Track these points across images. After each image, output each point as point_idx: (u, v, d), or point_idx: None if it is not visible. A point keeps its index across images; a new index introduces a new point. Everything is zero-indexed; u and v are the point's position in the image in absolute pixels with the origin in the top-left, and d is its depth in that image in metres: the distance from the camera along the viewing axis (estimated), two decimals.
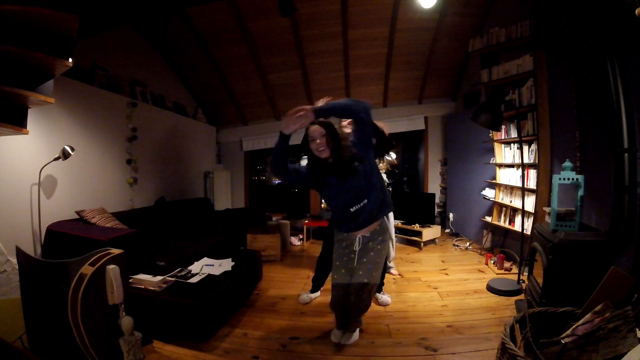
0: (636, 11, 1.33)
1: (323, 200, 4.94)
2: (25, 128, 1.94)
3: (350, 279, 1.81)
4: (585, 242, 1.74)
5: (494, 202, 3.61)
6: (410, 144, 6.05)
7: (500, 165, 3.53)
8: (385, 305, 2.44)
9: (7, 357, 1.38)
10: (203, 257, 2.64)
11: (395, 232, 4.29)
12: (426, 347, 1.86)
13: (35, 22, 1.70)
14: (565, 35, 2.72)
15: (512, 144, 3.31)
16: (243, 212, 4.98)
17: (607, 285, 1.34)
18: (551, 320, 1.44)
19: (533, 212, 2.88)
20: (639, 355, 1.01)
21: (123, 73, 3.66)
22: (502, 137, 3.41)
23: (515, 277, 2.72)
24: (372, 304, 2.44)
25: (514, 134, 3.23)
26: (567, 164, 1.90)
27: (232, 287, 2.28)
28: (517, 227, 3.14)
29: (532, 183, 2.98)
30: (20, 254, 1.72)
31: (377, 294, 2.51)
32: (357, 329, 1.99)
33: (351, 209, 1.73)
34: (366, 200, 1.71)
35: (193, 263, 2.51)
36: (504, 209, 3.50)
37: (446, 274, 3.11)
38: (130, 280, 1.95)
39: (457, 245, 4.02)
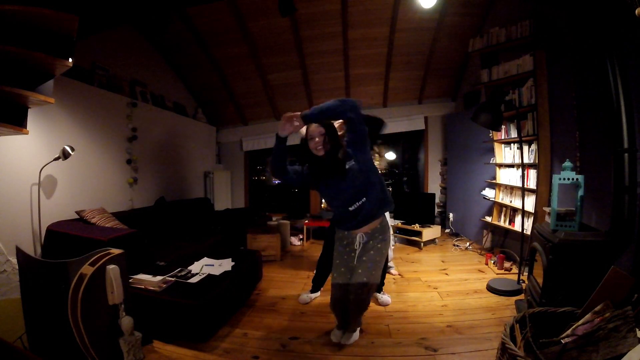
0: (636, 11, 1.33)
1: (323, 200, 4.94)
2: (25, 128, 1.94)
3: (349, 277, 1.81)
4: (585, 242, 1.74)
5: (494, 202, 3.61)
6: (410, 144, 6.05)
7: (500, 165, 3.53)
8: (385, 305, 2.44)
9: (7, 357, 1.38)
10: (203, 257, 2.64)
11: (395, 232, 4.31)
12: (426, 347, 1.86)
13: (35, 22, 1.70)
14: (565, 35, 2.72)
15: (512, 144, 3.31)
16: (243, 212, 4.98)
17: (607, 285, 1.34)
18: (551, 320, 1.44)
19: (533, 212, 2.88)
20: (639, 355, 1.01)
21: (123, 73, 3.66)
22: (502, 137, 3.41)
23: (515, 277, 2.72)
24: (372, 304, 2.45)
25: (514, 134, 3.24)
26: (567, 164, 1.90)
27: (232, 287, 2.28)
28: (517, 227, 3.14)
29: (532, 183, 2.98)
30: (20, 254, 1.72)
31: (377, 294, 2.51)
32: (357, 329, 1.99)
33: (350, 208, 1.73)
34: (365, 198, 1.72)
35: (193, 263, 2.51)
36: (504, 209, 3.50)
37: (446, 274, 3.11)
38: (130, 280, 1.95)
39: (457, 245, 4.02)
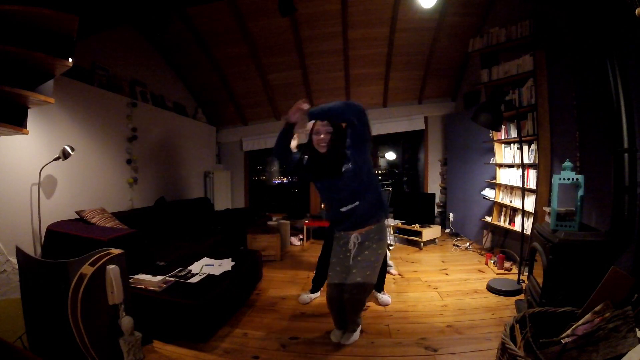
0: (636, 11, 1.34)
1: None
2: (25, 128, 1.94)
3: (345, 277, 1.81)
4: (585, 242, 1.74)
5: (494, 202, 3.61)
6: (410, 144, 6.05)
7: (500, 165, 3.53)
8: (385, 305, 2.44)
9: (7, 357, 1.38)
10: (203, 257, 2.64)
11: (395, 232, 4.31)
12: (426, 347, 1.86)
13: (35, 22, 1.70)
14: (565, 35, 2.72)
15: (512, 144, 3.31)
16: (243, 212, 4.98)
17: (607, 285, 1.34)
18: (551, 320, 1.44)
19: (533, 212, 2.88)
20: (639, 355, 1.01)
21: (123, 73, 3.66)
22: (502, 137, 3.41)
23: (515, 277, 2.72)
24: (372, 303, 2.46)
25: (514, 134, 3.24)
26: (567, 164, 1.90)
27: (232, 287, 2.28)
28: (517, 227, 3.14)
29: (532, 183, 2.98)
30: (20, 254, 1.72)
31: (378, 294, 2.51)
32: (358, 329, 1.99)
33: (341, 209, 1.75)
34: (357, 202, 1.72)
35: (193, 263, 2.52)
36: (504, 209, 3.50)
37: (446, 274, 3.11)
38: (130, 280, 1.95)
39: (457, 245, 4.02)
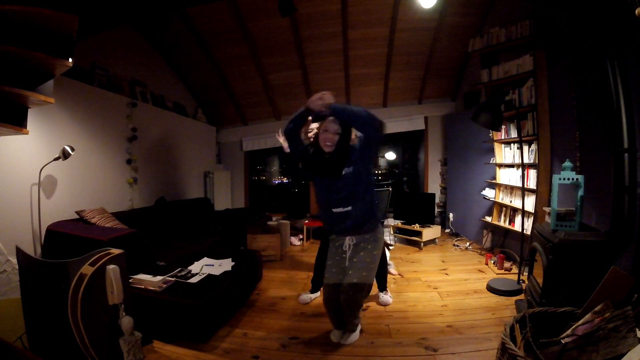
0: (636, 11, 1.34)
1: None
2: (25, 128, 1.94)
3: (341, 278, 1.81)
4: (585, 242, 1.74)
5: (494, 202, 3.61)
6: (410, 144, 6.05)
7: (500, 165, 3.53)
8: (385, 305, 2.44)
9: (7, 357, 1.38)
10: (203, 257, 2.64)
11: (395, 232, 4.32)
12: (426, 347, 1.86)
13: (35, 22, 1.70)
14: (565, 35, 2.72)
15: (512, 144, 3.31)
16: (243, 212, 4.98)
17: (607, 285, 1.34)
18: (551, 320, 1.44)
19: (533, 212, 2.88)
20: (639, 355, 1.01)
21: (123, 73, 3.66)
22: (502, 137, 3.41)
23: (515, 277, 2.72)
24: (373, 303, 2.46)
25: (514, 134, 3.24)
26: (567, 164, 1.90)
27: (232, 287, 2.28)
28: (517, 227, 3.14)
29: (532, 183, 2.98)
30: (20, 254, 1.72)
31: (380, 293, 2.52)
32: (357, 329, 1.99)
33: (333, 210, 1.75)
34: (350, 207, 1.72)
35: (193, 263, 2.52)
36: (504, 209, 3.50)
37: (446, 274, 3.11)
38: (130, 280, 1.95)
39: (457, 245, 4.02)
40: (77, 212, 2.70)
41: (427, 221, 4.20)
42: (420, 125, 5.23)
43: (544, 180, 2.84)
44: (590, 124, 2.31)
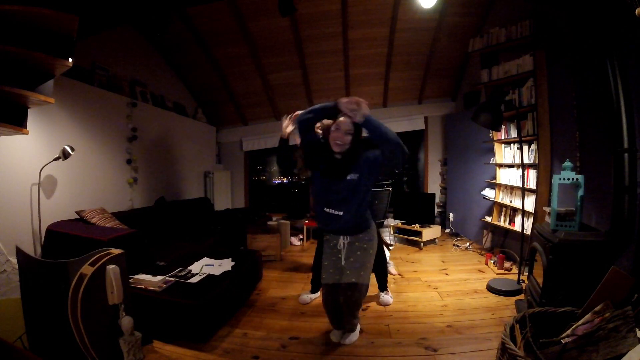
0: (636, 11, 1.34)
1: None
2: (25, 128, 1.94)
3: (339, 278, 1.81)
4: (585, 242, 1.74)
5: (494, 202, 3.61)
6: (410, 144, 6.05)
7: (500, 165, 3.53)
8: (385, 305, 2.44)
9: (7, 357, 1.38)
10: (203, 257, 2.64)
11: (395, 232, 4.31)
12: (426, 347, 1.86)
13: (35, 22, 1.70)
14: (565, 35, 2.72)
15: (512, 144, 3.31)
16: (243, 212, 4.98)
17: (607, 285, 1.34)
18: (551, 320, 1.44)
19: (533, 212, 2.88)
20: (639, 355, 1.01)
21: (123, 73, 3.65)
22: (502, 137, 3.41)
23: (515, 277, 2.72)
24: (373, 303, 2.46)
25: (514, 134, 3.24)
26: (567, 164, 1.90)
27: (232, 287, 2.28)
28: (517, 227, 3.14)
29: (532, 183, 2.98)
30: (20, 254, 1.72)
31: (381, 293, 2.51)
32: (357, 329, 1.99)
33: (325, 209, 1.74)
34: (342, 212, 1.71)
35: (193, 263, 2.52)
36: (504, 209, 3.50)
37: (446, 274, 3.11)
38: (130, 280, 1.95)
39: (457, 245, 4.02)
40: (77, 212, 2.71)
41: (427, 221, 4.20)
42: (420, 125, 5.23)
43: (544, 180, 2.84)
44: (590, 124, 2.31)
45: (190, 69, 4.83)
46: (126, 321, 1.62)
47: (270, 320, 2.25)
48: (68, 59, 1.83)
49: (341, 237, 1.80)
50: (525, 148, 3.04)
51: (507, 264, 3.11)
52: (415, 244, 4.10)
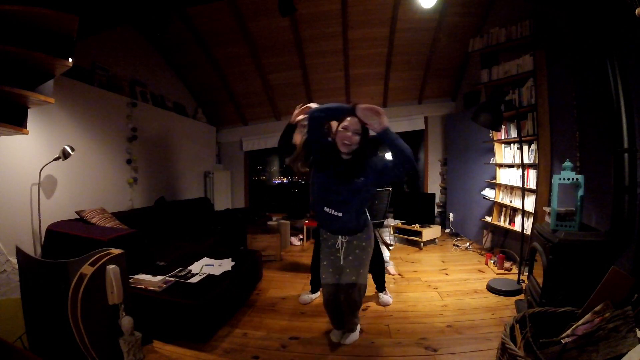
0: (636, 11, 1.34)
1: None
2: (25, 128, 1.94)
3: (339, 278, 1.81)
4: (585, 242, 1.74)
5: (494, 202, 3.61)
6: (410, 144, 6.02)
7: (500, 165, 3.53)
8: (385, 305, 2.44)
9: (7, 357, 1.38)
10: (203, 257, 2.64)
11: (395, 232, 4.31)
12: (426, 347, 1.86)
13: (35, 22, 1.70)
14: (565, 35, 2.72)
15: (512, 144, 3.31)
16: (243, 212, 4.98)
17: (607, 285, 1.34)
18: (551, 320, 1.44)
19: (533, 212, 2.88)
20: (639, 355, 1.01)
21: (123, 73, 3.65)
22: (502, 137, 3.41)
23: (515, 277, 2.72)
24: (373, 303, 2.46)
25: (514, 134, 3.23)
26: (567, 164, 1.90)
27: (232, 287, 2.28)
28: (517, 227, 3.14)
29: (532, 183, 2.98)
30: (20, 254, 1.72)
31: (380, 294, 2.51)
32: (357, 329, 1.99)
33: (325, 208, 1.72)
34: (341, 214, 1.70)
35: (193, 263, 2.51)
36: (504, 209, 3.50)
37: (446, 274, 3.11)
38: (130, 280, 1.95)
39: (457, 245, 4.02)
40: (77, 212, 2.70)
41: (427, 221, 4.20)
42: (420, 125, 5.23)
43: (544, 180, 2.84)
44: (590, 124, 2.31)
45: (190, 69, 4.83)
46: (126, 321, 1.62)
47: (270, 320, 2.25)
48: (68, 59, 1.83)
49: (339, 236, 1.80)
50: (525, 148, 3.04)
51: (507, 264, 3.11)
52: (415, 244, 4.10)
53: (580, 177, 1.85)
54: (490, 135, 3.59)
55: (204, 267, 2.42)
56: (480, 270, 3.13)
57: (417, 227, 4.09)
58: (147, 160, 3.85)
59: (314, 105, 1.87)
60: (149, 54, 4.27)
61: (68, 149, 2.54)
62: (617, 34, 1.74)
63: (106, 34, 3.32)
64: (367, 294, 1.94)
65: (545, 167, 2.85)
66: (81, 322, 1.47)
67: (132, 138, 3.58)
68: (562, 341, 1.26)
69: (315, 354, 1.84)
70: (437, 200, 4.94)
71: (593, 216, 2.17)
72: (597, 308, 1.29)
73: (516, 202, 3.23)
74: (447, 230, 4.77)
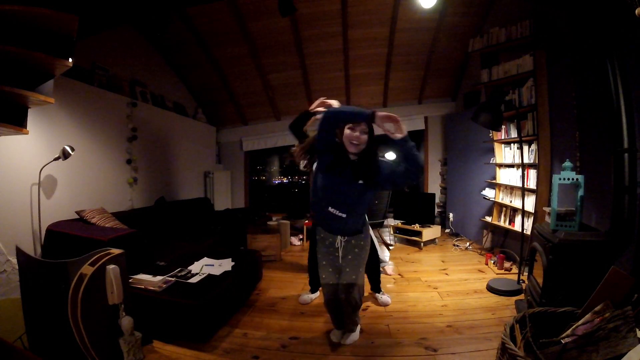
0: (636, 11, 1.34)
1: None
2: (25, 128, 1.94)
3: (338, 277, 1.81)
4: (585, 242, 1.74)
5: (494, 202, 3.61)
6: None
7: (500, 165, 3.53)
8: (385, 305, 2.44)
9: (7, 357, 1.38)
10: (203, 257, 2.64)
11: (395, 232, 4.31)
12: (426, 347, 1.86)
13: (35, 22, 1.70)
14: (565, 35, 2.72)
15: (512, 144, 3.31)
16: (243, 212, 4.98)
17: (607, 285, 1.34)
18: (551, 320, 1.44)
19: (533, 212, 2.88)
20: (639, 355, 1.01)
21: (123, 73, 3.65)
22: (502, 137, 3.41)
23: (515, 277, 2.72)
24: (372, 304, 2.46)
25: (514, 134, 3.24)
26: (567, 164, 1.90)
27: (232, 287, 2.28)
28: (517, 227, 3.14)
29: (532, 183, 2.98)
30: (20, 254, 1.72)
31: (377, 294, 2.51)
32: (357, 329, 1.99)
33: (329, 209, 1.69)
34: (345, 215, 1.68)
35: (193, 263, 2.51)
36: (504, 209, 3.50)
37: (446, 274, 3.11)
38: (130, 280, 1.95)
39: (457, 245, 4.02)
40: (77, 212, 2.70)
41: (427, 221, 4.20)
42: (420, 125, 5.23)
43: (544, 180, 2.84)
44: (590, 124, 2.31)
45: (190, 69, 4.83)
46: (126, 321, 1.62)
47: (270, 320, 2.25)
48: (68, 59, 1.83)
49: (339, 236, 1.79)
50: (525, 148, 3.04)
51: (507, 264, 3.11)
52: (415, 244, 4.10)
53: (580, 177, 1.85)
54: (490, 135, 3.59)
55: (204, 267, 2.42)
56: (480, 270, 3.13)
57: (417, 227, 4.09)
58: (147, 160, 3.85)
59: (336, 103, 1.86)
60: (149, 54, 4.27)
61: (68, 149, 2.54)
62: (617, 34, 1.74)
63: (106, 34, 3.33)
64: (364, 294, 1.94)
65: (545, 167, 2.85)
66: (81, 322, 1.47)
67: (132, 138, 3.58)
68: (562, 341, 1.26)
69: (315, 354, 1.84)
70: (437, 200, 4.94)
71: (593, 216, 2.17)
72: (597, 308, 1.29)
73: (516, 202, 3.23)
74: (447, 230, 4.77)
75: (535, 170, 2.94)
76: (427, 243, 4.10)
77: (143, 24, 3.83)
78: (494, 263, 3.20)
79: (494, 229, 3.72)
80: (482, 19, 3.98)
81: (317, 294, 2.59)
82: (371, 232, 2.04)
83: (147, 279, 2.11)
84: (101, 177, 3.20)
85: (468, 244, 4.04)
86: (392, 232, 4.37)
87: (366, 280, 2.27)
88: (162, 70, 4.54)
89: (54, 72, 1.92)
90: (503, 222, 3.46)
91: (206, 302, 1.94)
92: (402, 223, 4.33)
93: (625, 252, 1.63)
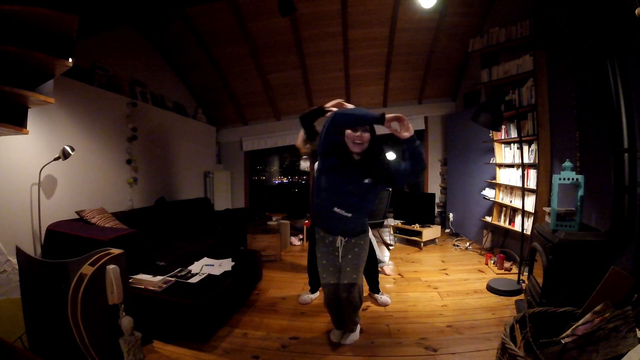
0: (636, 11, 1.34)
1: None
2: (25, 128, 1.94)
3: (339, 276, 1.81)
4: (585, 242, 1.74)
5: (494, 202, 3.61)
6: None
7: (500, 165, 3.53)
8: (385, 305, 2.44)
9: (7, 357, 1.38)
10: (203, 257, 2.64)
11: (395, 232, 4.31)
12: (426, 347, 1.86)
13: (35, 22, 1.70)
14: (565, 35, 2.72)
15: (512, 144, 3.31)
16: (243, 212, 4.98)
17: (607, 285, 1.34)
18: (551, 320, 1.44)
19: (533, 212, 2.88)
20: (639, 355, 1.01)
21: (123, 73, 3.66)
22: (502, 137, 3.41)
23: (515, 277, 2.72)
24: (372, 304, 2.46)
25: (514, 134, 3.24)
26: (567, 164, 1.90)
27: (232, 287, 2.28)
28: (517, 227, 3.14)
29: (532, 183, 2.98)
30: (20, 254, 1.72)
31: (376, 295, 2.51)
32: (357, 329, 1.99)
33: (334, 209, 1.68)
34: (351, 214, 1.68)
35: (193, 263, 2.51)
36: (504, 209, 3.50)
37: (446, 274, 3.11)
38: (130, 280, 1.95)
39: (457, 245, 4.02)
40: (77, 212, 2.71)
41: (427, 221, 4.20)
42: (420, 125, 5.23)
43: (544, 180, 2.84)
44: (590, 124, 2.31)
45: (190, 69, 4.83)
46: (126, 321, 1.62)
47: (270, 320, 2.25)
48: (68, 59, 1.83)
49: (339, 237, 1.78)
50: (525, 148, 3.04)
51: (507, 264, 3.11)
52: (415, 244, 4.10)
53: (580, 177, 1.84)
54: (490, 135, 3.59)
55: (204, 267, 2.42)
56: (480, 270, 3.13)
57: (417, 227, 4.09)
58: (147, 160, 3.85)
59: (350, 106, 1.87)
60: (149, 54, 4.27)
61: (68, 149, 2.54)
62: (617, 34, 1.74)
63: (106, 34, 3.33)
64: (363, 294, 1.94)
65: (545, 167, 2.85)
66: (81, 322, 1.47)
67: (132, 138, 3.58)
68: (562, 341, 1.26)
69: (315, 354, 1.84)
70: (437, 200, 4.94)
71: (593, 216, 2.17)
72: (597, 308, 1.29)
73: (516, 202, 3.23)
74: (447, 230, 4.77)
75: (535, 170, 2.94)
76: (427, 243, 4.10)
77: (143, 24, 3.83)
78: (494, 263, 3.20)
79: (494, 229, 3.72)
80: (482, 19, 3.98)
81: (317, 294, 2.59)
82: (370, 232, 2.04)
83: (147, 279, 2.11)
84: (101, 177, 3.20)
85: (468, 244, 4.04)
86: (392, 232, 4.37)
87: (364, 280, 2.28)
88: (162, 70, 4.54)
89: (54, 72, 1.92)
90: (503, 222, 3.46)
91: (206, 302, 1.94)
92: (402, 223, 4.33)
93: (625, 252, 1.63)
